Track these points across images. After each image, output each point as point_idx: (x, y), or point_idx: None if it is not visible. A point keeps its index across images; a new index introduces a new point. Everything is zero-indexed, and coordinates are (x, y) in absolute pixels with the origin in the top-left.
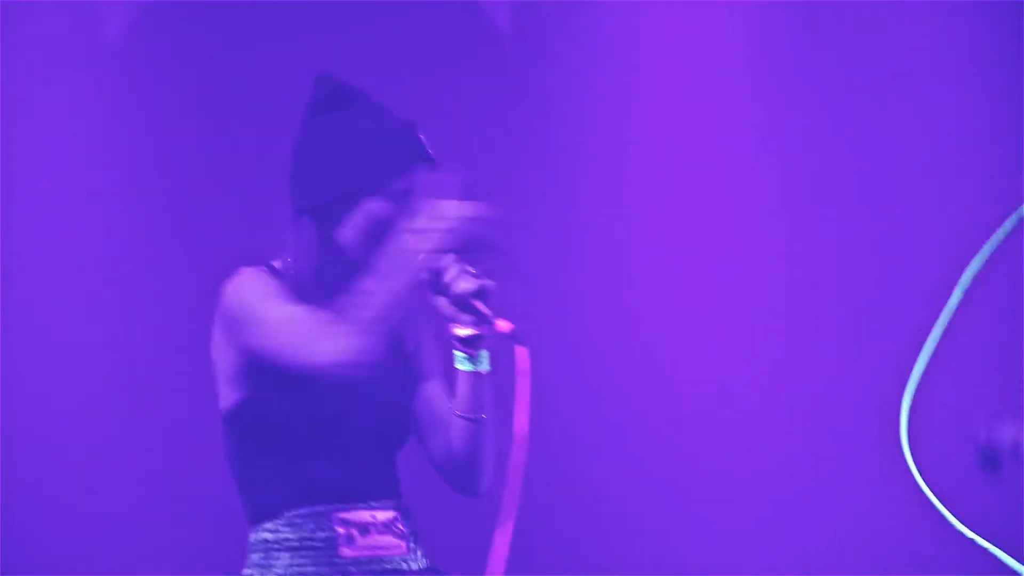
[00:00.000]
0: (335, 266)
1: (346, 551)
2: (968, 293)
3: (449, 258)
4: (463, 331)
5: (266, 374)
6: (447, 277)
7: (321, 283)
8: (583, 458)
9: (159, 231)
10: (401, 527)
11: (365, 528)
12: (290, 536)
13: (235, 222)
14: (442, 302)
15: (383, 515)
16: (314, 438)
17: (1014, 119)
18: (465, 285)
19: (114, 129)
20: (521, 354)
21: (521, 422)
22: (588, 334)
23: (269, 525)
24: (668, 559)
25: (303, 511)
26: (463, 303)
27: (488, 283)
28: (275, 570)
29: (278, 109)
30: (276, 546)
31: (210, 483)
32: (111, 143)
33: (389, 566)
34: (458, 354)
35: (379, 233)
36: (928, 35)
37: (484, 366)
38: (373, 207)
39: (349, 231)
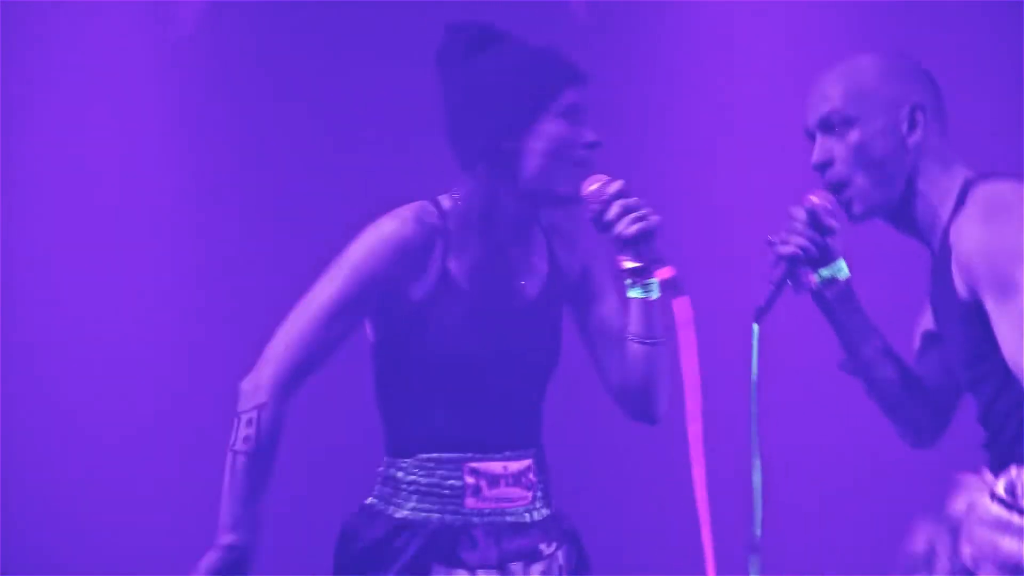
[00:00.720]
0: (511, 207)
1: (471, 501)
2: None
3: (614, 191)
4: (629, 264)
5: (410, 318)
6: (610, 215)
7: (495, 225)
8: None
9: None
10: (532, 477)
11: (495, 480)
12: (419, 479)
13: (268, 226)
14: (608, 237)
15: (516, 465)
16: (454, 383)
17: (1014, 119)
18: (627, 228)
19: (174, 129)
20: (681, 305)
21: (692, 378)
22: None
23: (403, 463)
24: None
25: (435, 456)
26: (626, 243)
27: (650, 225)
28: (402, 509)
29: (322, 111)
30: (406, 486)
31: (211, 483)
32: (171, 143)
33: (511, 518)
34: (628, 282)
35: (562, 154)
36: (928, 35)
37: (654, 293)
38: (548, 128)
39: (532, 161)
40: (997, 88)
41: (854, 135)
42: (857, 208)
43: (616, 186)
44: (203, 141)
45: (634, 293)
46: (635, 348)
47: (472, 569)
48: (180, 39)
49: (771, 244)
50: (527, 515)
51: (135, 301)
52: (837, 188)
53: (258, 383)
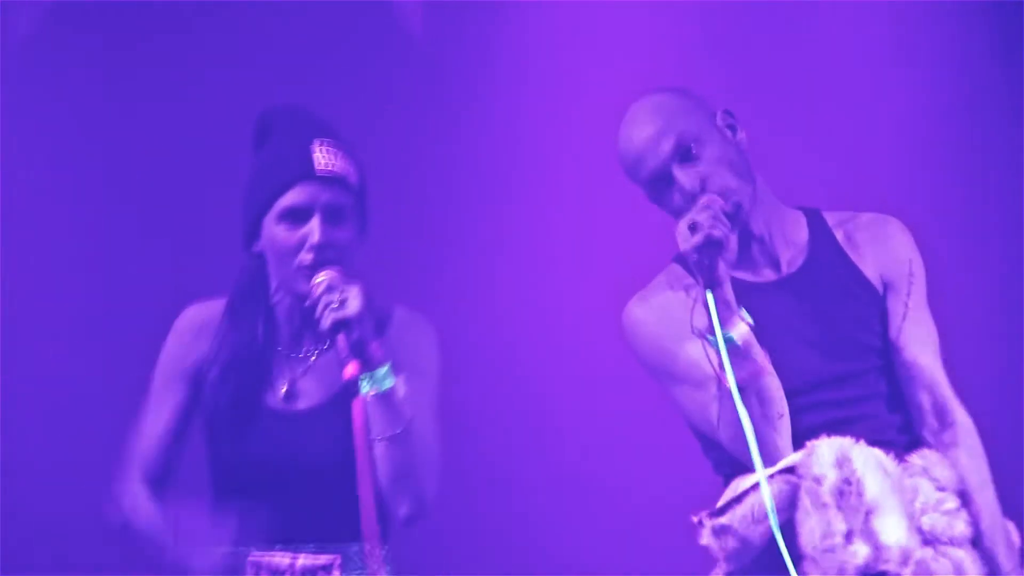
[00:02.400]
0: (256, 294)
1: None
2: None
3: (323, 282)
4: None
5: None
6: (318, 304)
7: (247, 313)
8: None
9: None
10: (335, 574)
11: (279, 572)
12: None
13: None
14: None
15: (308, 560)
16: (243, 479)
17: (1014, 119)
18: (323, 322)
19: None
20: (356, 406)
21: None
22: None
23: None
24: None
25: (228, 550)
26: (328, 336)
27: (340, 315)
28: None
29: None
30: None
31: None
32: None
33: None
34: (361, 381)
35: (286, 260)
36: (928, 35)
37: (382, 385)
38: (269, 234)
39: (271, 264)
40: (997, 88)
41: (709, 150)
42: (747, 206)
43: (322, 280)
44: (41, 142)
45: (364, 389)
46: (380, 448)
47: None
48: (20, 40)
49: (696, 227)
50: None
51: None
52: (724, 197)
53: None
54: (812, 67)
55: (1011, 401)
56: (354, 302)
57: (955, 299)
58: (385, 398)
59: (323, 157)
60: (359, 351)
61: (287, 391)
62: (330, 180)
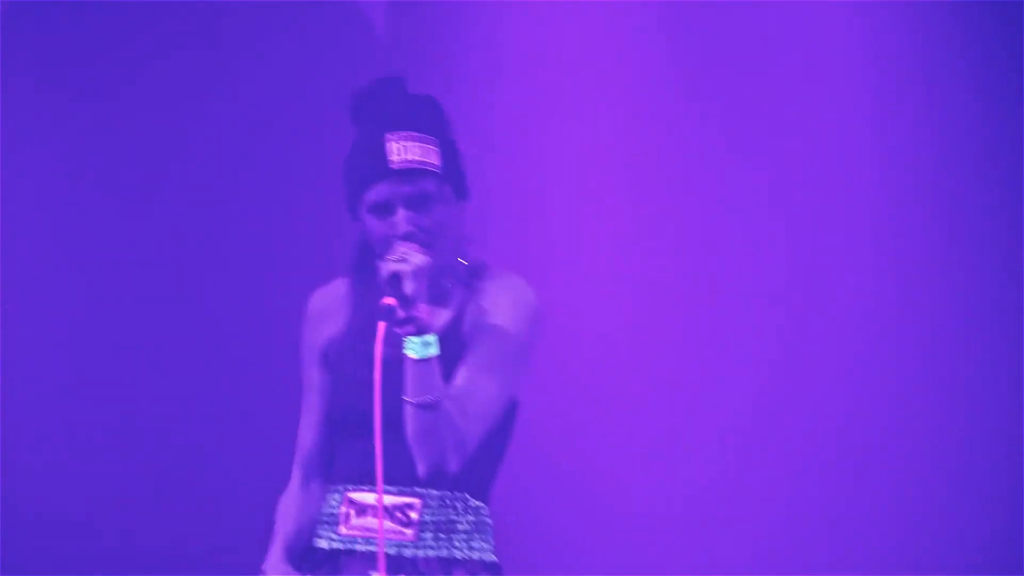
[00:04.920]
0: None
1: (342, 529)
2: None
3: (398, 253)
4: (387, 302)
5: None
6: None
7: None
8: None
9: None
10: (413, 515)
11: (363, 509)
12: (323, 508)
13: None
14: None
15: (391, 499)
16: (348, 423)
17: (1014, 119)
18: (386, 267)
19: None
20: (380, 331)
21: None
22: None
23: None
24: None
25: (335, 487)
26: (385, 284)
27: (400, 268)
28: (318, 535)
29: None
30: (321, 516)
31: (211, 483)
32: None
33: (388, 551)
34: (404, 340)
35: (378, 247)
36: (928, 35)
37: (420, 352)
38: (366, 222)
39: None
40: (997, 88)
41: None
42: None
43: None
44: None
45: (408, 352)
46: (408, 410)
47: None
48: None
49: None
50: (400, 550)
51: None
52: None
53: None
54: (812, 67)
55: (1011, 401)
56: (416, 259)
57: (955, 299)
58: (420, 365)
59: (398, 150)
60: (406, 305)
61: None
62: (408, 172)
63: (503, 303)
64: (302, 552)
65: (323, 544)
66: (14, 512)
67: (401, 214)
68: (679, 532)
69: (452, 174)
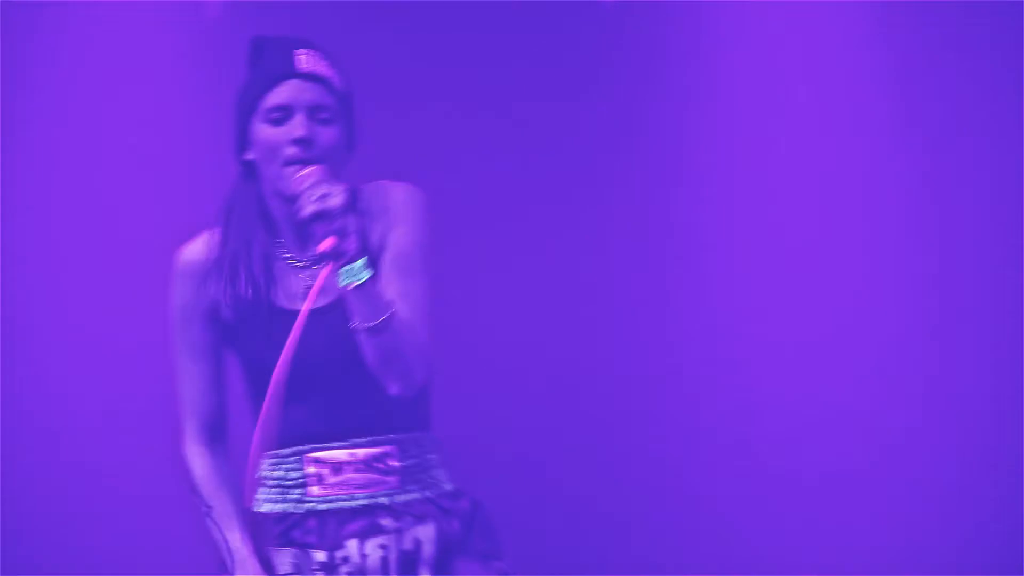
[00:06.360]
0: (248, 200)
1: (315, 490)
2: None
3: (307, 175)
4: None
5: (229, 335)
6: (301, 196)
7: (243, 217)
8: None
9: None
10: (392, 463)
11: (338, 467)
12: (271, 474)
13: None
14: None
15: (365, 452)
16: (264, 384)
17: (1014, 119)
18: (308, 207)
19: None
20: (323, 274)
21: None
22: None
23: (265, 464)
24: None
25: (283, 451)
26: (307, 224)
27: (325, 206)
28: (261, 505)
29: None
30: (264, 483)
31: None
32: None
33: (366, 502)
34: (338, 274)
35: (273, 157)
36: (928, 35)
37: (359, 276)
38: (258, 136)
39: (260, 169)
40: (997, 88)
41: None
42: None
43: (306, 174)
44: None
45: (341, 280)
46: (362, 338)
47: (305, 549)
48: (206, 28)
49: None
50: (384, 499)
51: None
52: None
53: (183, 450)
54: (811, 67)
55: (1011, 401)
56: (337, 197)
57: (955, 299)
58: (364, 289)
59: (305, 59)
60: (343, 238)
61: (304, 292)
62: (312, 78)
63: (393, 209)
64: (256, 524)
65: (288, 508)
66: (14, 512)
67: (300, 118)
68: (679, 532)
69: (347, 115)
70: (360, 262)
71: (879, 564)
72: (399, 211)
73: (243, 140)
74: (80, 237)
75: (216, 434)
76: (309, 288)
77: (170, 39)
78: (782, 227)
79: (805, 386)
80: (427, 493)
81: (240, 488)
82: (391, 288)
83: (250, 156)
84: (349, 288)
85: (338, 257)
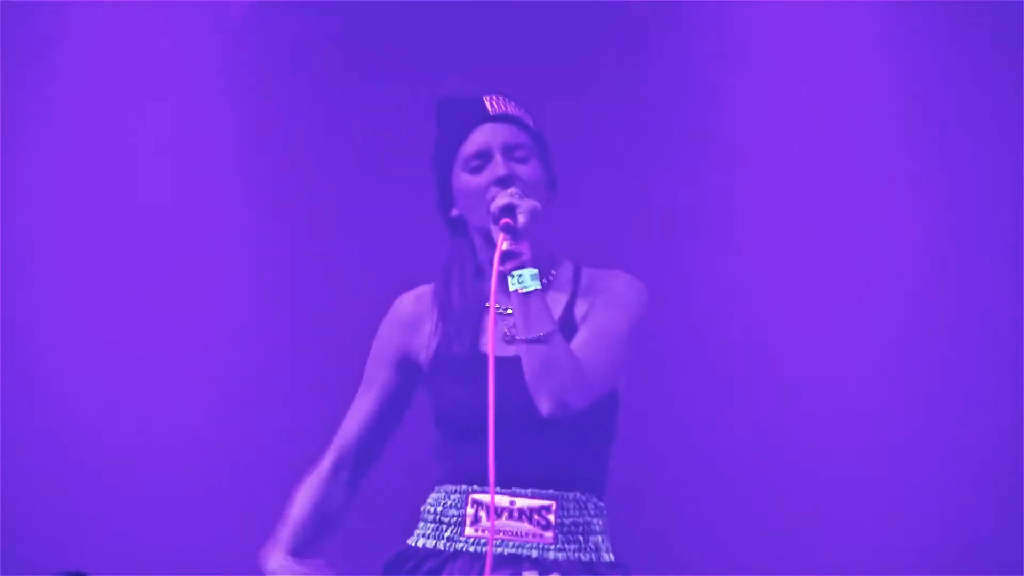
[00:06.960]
0: (461, 256)
1: (469, 531)
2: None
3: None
4: (502, 244)
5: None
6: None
7: (455, 273)
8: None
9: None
10: (550, 517)
11: (497, 512)
12: (433, 509)
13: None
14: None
15: (528, 503)
16: (458, 429)
17: (1014, 119)
18: (501, 199)
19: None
20: (496, 256)
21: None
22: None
23: (430, 497)
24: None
25: (448, 487)
26: (494, 219)
27: (516, 202)
28: (418, 537)
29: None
30: (424, 516)
31: (211, 483)
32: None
33: (517, 551)
34: (508, 277)
35: (477, 205)
36: (928, 35)
37: (527, 284)
38: (459, 183)
39: (469, 220)
40: (997, 88)
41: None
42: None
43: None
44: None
45: (511, 286)
46: (522, 348)
47: None
48: (232, 32)
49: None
50: (534, 552)
51: (136, 301)
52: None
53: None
54: (811, 67)
55: (1012, 401)
56: (529, 201)
57: (955, 300)
58: (529, 300)
59: (493, 103)
60: (516, 237)
61: (505, 338)
62: (503, 119)
63: (616, 287)
64: (398, 553)
65: (439, 546)
66: (14, 512)
67: (499, 159)
68: (678, 532)
69: (543, 153)
70: (530, 271)
71: (880, 564)
72: (611, 296)
73: (446, 197)
74: (80, 237)
75: (347, 465)
76: (510, 335)
77: (191, 39)
78: (782, 227)
79: (805, 386)
80: (583, 557)
81: (329, 508)
82: (579, 337)
83: (455, 212)
84: (516, 294)
85: (511, 257)
